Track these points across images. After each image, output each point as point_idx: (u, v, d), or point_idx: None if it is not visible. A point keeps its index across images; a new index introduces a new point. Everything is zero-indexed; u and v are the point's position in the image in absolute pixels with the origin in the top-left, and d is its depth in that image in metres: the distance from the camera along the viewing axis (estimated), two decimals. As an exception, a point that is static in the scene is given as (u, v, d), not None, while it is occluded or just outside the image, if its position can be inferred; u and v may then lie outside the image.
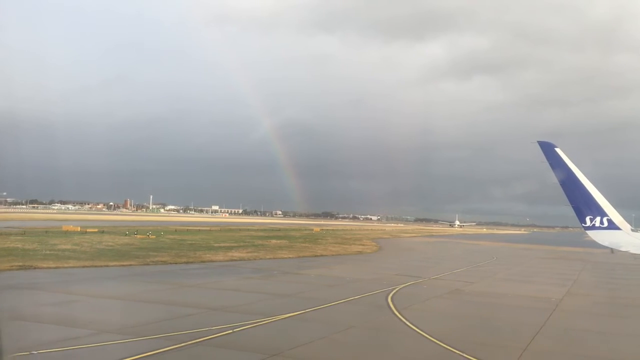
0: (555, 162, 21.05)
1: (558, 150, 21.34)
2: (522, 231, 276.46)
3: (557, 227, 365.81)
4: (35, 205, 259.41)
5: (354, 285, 30.39)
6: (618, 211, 20.88)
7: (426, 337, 17.48)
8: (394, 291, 28.18)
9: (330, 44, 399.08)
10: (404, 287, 30.52)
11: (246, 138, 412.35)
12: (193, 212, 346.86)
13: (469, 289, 31.90)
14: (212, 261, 39.74)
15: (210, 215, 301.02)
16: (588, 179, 21.20)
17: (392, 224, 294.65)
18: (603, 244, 20.78)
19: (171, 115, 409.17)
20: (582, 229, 21.46)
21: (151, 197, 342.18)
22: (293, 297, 25.10)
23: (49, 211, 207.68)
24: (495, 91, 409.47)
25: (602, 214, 20.60)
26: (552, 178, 21.07)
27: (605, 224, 20.42)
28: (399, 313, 21.75)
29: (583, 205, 20.59)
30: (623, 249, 20.91)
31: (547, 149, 21.45)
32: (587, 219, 20.72)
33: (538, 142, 21.97)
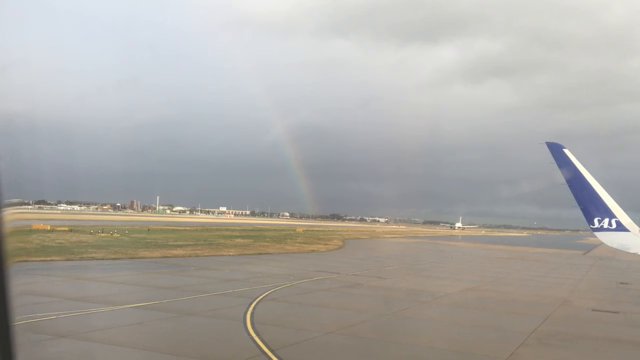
0: (564, 163, 21.19)
1: (566, 151, 21.45)
2: (524, 234, 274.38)
3: (568, 230, 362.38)
4: (41, 206, 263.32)
5: (256, 279, 31.31)
6: (631, 214, 21.23)
7: (241, 323, 18.55)
8: (286, 285, 29.18)
9: (345, 48, 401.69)
10: (304, 281, 31.57)
11: (257, 141, 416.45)
12: (199, 214, 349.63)
13: (372, 283, 32.81)
14: (143, 258, 41.04)
15: (215, 217, 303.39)
16: (599, 181, 21.30)
17: (394, 226, 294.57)
18: (612, 246, 21.16)
19: (184, 118, 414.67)
20: (591, 230, 21.83)
21: (158, 198, 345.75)
22: (175, 289, 26.13)
23: (52, 211, 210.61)
24: (508, 94, 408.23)
25: (611, 215, 20.80)
26: (561, 179, 21.41)
27: (614, 225, 20.65)
28: (254, 304, 22.68)
29: (591, 207, 20.79)
30: (632, 251, 21.20)
31: (556, 150, 21.56)
32: (595, 220, 20.94)
33: (546, 143, 22.06)
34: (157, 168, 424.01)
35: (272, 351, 14.96)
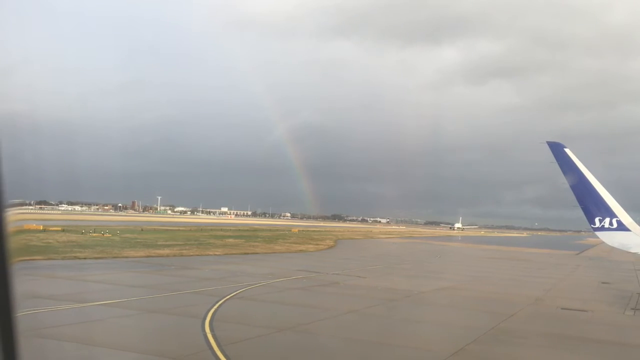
0: (564, 163, 21.09)
1: (567, 150, 21.32)
2: (524, 234, 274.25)
3: (570, 230, 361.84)
4: (42, 206, 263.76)
5: (233, 278, 31.47)
6: (633, 214, 21.26)
7: (200, 320, 18.79)
8: (260, 284, 29.39)
9: (347, 49, 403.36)
10: (281, 280, 31.81)
11: (259, 141, 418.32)
12: (201, 214, 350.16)
13: (349, 282, 32.99)
14: (127, 257, 41.34)
15: (216, 217, 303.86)
16: (601, 181, 21.22)
17: (395, 226, 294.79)
18: (612, 245, 21.11)
19: (186, 117, 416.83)
20: (592, 230, 21.75)
21: (159, 198, 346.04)
22: (147, 288, 26.27)
23: (52, 212, 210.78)
24: (510, 95, 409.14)
25: (612, 215, 20.77)
26: (562, 179, 21.33)
27: (615, 225, 20.65)
28: (221, 302, 22.80)
29: (592, 206, 20.76)
30: (632, 251, 21.11)
31: (556, 149, 21.45)
32: (597, 220, 20.91)
33: (547, 142, 21.98)
34: (159, 168, 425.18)
35: (219, 347, 15.19)
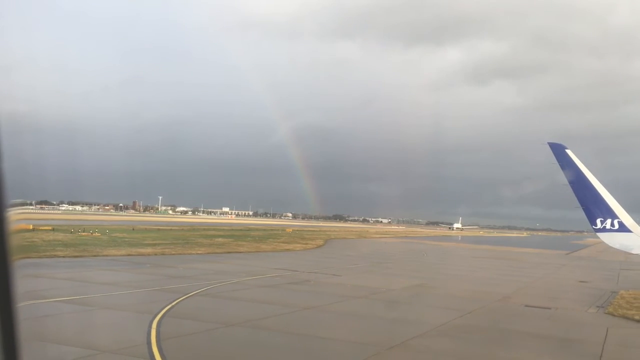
0: (566, 164, 21.19)
1: (569, 151, 21.39)
2: (524, 234, 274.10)
3: (572, 231, 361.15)
4: (43, 207, 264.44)
5: (205, 276, 31.59)
6: (635, 216, 21.30)
7: (151, 317, 19.03)
8: (230, 282, 29.65)
9: (349, 49, 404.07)
10: (253, 278, 31.98)
11: (261, 141, 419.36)
12: (202, 214, 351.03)
13: (322, 280, 33.12)
14: (107, 256, 41.66)
15: (216, 217, 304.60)
16: (603, 182, 21.05)
17: (395, 226, 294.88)
18: (614, 247, 21.19)
19: (189, 117, 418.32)
20: (594, 231, 21.85)
21: (160, 198, 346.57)
22: (113, 285, 26.46)
23: (53, 212, 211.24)
24: (512, 95, 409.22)
25: (613, 216, 20.86)
26: (563, 180, 21.45)
27: (616, 226, 20.70)
28: (181, 299, 23.02)
29: (593, 207, 20.91)
30: (634, 252, 21.15)
31: (558, 150, 21.56)
32: (598, 221, 20.89)
33: (548, 143, 22.09)
34: (161, 168, 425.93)
35: (157, 341, 15.39)
